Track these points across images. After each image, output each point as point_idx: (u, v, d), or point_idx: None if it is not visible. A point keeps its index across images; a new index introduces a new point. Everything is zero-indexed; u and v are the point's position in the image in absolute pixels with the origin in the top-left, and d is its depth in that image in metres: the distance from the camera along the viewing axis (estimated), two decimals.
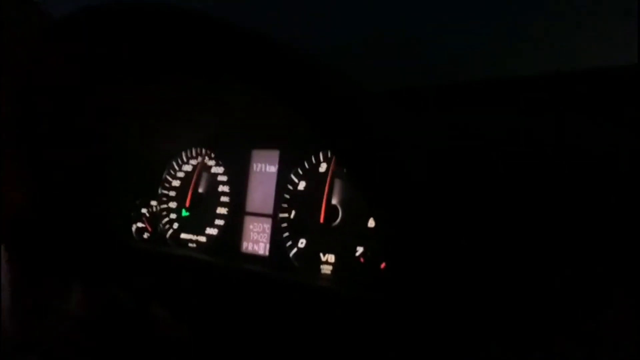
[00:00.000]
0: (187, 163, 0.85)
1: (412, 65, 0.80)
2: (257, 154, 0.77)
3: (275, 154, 0.74)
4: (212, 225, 0.79)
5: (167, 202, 0.86)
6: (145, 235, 0.87)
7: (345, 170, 0.65)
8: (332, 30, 0.89)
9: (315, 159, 0.70)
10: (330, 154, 0.68)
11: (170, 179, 0.86)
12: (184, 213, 0.83)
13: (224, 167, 0.80)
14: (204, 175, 0.82)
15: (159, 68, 0.58)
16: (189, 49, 0.52)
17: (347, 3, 0.89)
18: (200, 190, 0.82)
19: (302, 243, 0.69)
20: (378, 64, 0.83)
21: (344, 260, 0.65)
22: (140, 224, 0.88)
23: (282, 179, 0.73)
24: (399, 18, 0.84)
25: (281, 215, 0.72)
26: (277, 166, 0.74)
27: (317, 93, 0.46)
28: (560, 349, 0.36)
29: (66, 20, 0.49)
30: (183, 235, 0.83)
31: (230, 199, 0.78)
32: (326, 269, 0.66)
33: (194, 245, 0.81)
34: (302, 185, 0.71)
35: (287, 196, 0.72)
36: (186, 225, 0.83)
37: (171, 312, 0.60)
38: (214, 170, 0.81)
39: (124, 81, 0.62)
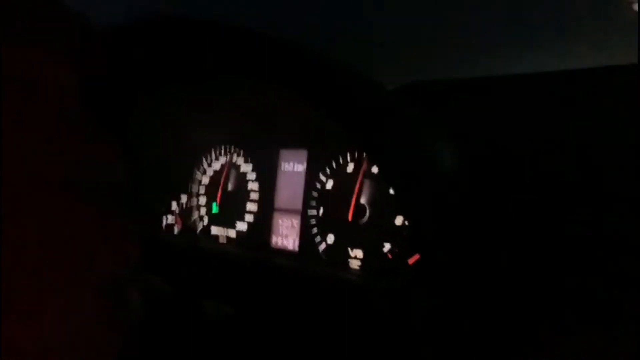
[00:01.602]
0: (216, 160, 0.89)
1: (421, 60, 0.83)
2: (285, 153, 0.80)
3: (303, 154, 0.78)
4: (242, 221, 0.83)
5: (197, 198, 0.90)
6: (176, 230, 0.91)
7: (378, 169, 0.68)
8: (335, 24, 0.91)
9: (342, 159, 0.73)
10: (359, 154, 0.72)
11: (199, 175, 0.90)
12: (215, 209, 0.87)
13: (253, 165, 0.84)
14: (233, 173, 0.86)
15: (200, 74, 0.61)
16: (225, 58, 0.55)
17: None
18: (230, 187, 0.86)
19: (330, 239, 0.73)
20: (385, 59, 0.86)
21: (372, 256, 0.68)
22: (170, 219, 0.92)
23: (311, 178, 0.76)
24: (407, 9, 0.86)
25: (310, 212, 0.76)
26: (305, 165, 0.78)
27: (345, 95, 0.49)
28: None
29: (125, 28, 0.52)
30: (213, 230, 0.87)
31: (260, 196, 0.82)
32: (354, 264, 0.70)
33: (224, 240, 0.85)
34: (330, 184, 0.74)
35: (315, 194, 0.75)
36: (216, 220, 0.87)
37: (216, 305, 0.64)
38: (243, 168, 0.85)
39: (164, 86, 0.65)
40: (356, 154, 0.72)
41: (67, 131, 0.22)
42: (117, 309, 0.23)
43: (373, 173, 0.70)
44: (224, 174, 0.86)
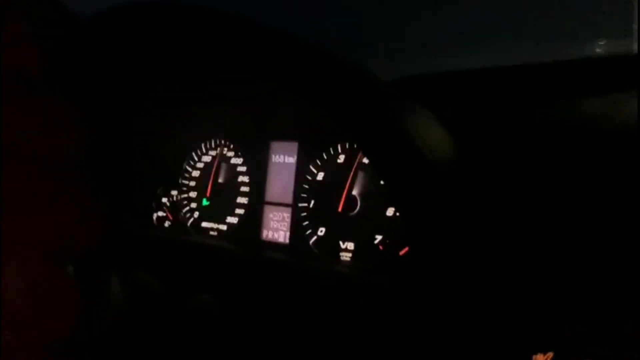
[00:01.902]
0: (207, 154, 0.88)
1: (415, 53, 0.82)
2: (275, 145, 0.79)
3: (294, 146, 0.77)
4: (233, 214, 0.82)
5: (187, 192, 0.89)
6: (167, 224, 0.90)
7: (368, 160, 0.68)
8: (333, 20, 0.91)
9: (333, 151, 0.72)
10: (349, 146, 0.71)
11: (190, 169, 0.89)
12: (205, 202, 0.86)
13: (243, 158, 0.83)
14: (224, 166, 0.85)
15: (191, 66, 0.60)
16: (216, 48, 0.54)
17: None
18: (220, 180, 0.85)
19: (321, 231, 0.72)
20: (380, 52, 0.85)
21: (363, 247, 0.68)
22: (161, 213, 0.91)
23: (301, 170, 0.75)
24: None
25: (300, 204, 0.75)
26: (295, 157, 0.77)
27: (338, 86, 0.48)
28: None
29: (104, 17, 0.51)
30: (204, 224, 0.86)
31: (250, 189, 0.81)
32: (346, 256, 0.69)
33: (215, 233, 0.84)
34: (320, 176, 0.73)
35: (306, 186, 0.75)
36: (207, 214, 0.86)
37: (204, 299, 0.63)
38: (233, 161, 0.84)
39: (152, 78, 0.64)
40: (347, 145, 0.71)
41: (28, 103, 0.22)
42: (85, 292, 0.22)
43: (364, 164, 0.69)
44: (214, 167, 0.85)
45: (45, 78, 0.23)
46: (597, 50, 0.63)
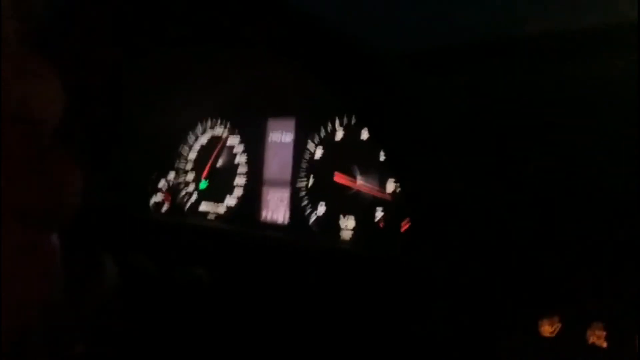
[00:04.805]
0: (202, 135, 0.86)
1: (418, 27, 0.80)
2: (273, 122, 0.77)
3: (291, 122, 0.75)
4: (231, 196, 0.81)
5: (184, 175, 0.87)
6: (164, 209, 0.89)
7: (369, 132, 0.66)
8: None
9: (331, 126, 0.70)
10: (347, 121, 0.69)
11: (186, 152, 0.87)
12: (202, 185, 0.84)
13: (240, 137, 0.81)
14: (221, 146, 0.83)
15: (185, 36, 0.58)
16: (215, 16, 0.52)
17: None
18: (217, 161, 0.83)
19: (321, 210, 0.70)
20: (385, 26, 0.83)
21: (363, 224, 0.66)
22: (158, 198, 0.89)
23: (299, 147, 0.73)
24: None
25: (299, 183, 0.73)
26: (293, 134, 0.75)
27: (342, 58, 0.46)
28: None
29: None
30: (202, 207, 0.84)
31: (248, 169, 0.79)
32: (346, 234, 0.67)
33: (214, 216, 0.82)
34: (319, 153, 0.71)
35: (305, 164, 0.73)
36: (205, 196, 0.84)
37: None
38: (230, 140, 0.82)
39: (144, 51, 0.62)
40: (344, 121, 0.69)
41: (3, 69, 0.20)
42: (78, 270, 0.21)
43: (363, 140, 0.67)
44: (211, 148, 0.83)
45: (22, 42, 0.22)
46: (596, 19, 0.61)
